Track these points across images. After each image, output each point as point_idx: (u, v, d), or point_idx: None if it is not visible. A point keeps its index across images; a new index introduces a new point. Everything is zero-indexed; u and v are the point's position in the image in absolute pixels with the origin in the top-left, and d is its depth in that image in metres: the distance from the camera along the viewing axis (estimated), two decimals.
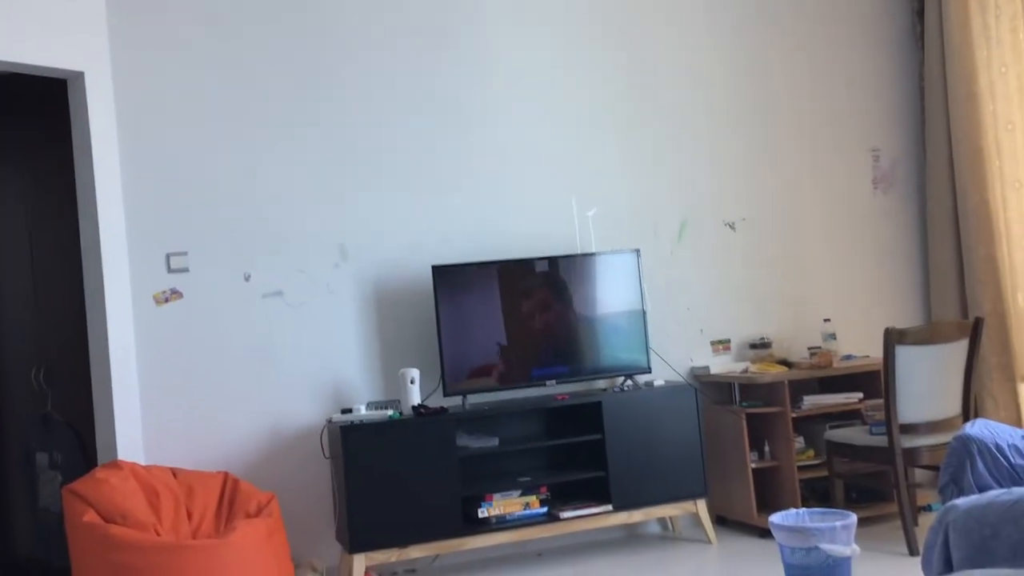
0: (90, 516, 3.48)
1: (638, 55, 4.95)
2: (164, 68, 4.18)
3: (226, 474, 3.93)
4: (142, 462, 3.97)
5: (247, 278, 4.26)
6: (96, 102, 4.02)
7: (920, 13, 5.34)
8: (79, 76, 4.00)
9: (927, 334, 4.02)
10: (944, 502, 2.97)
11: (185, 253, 4.17)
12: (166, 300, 4.13)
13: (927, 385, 4.01)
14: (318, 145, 4.40)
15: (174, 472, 3.86)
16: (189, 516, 3.76)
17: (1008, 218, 4.90)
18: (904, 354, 3.96)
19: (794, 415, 4.50)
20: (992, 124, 4.93)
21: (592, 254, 4.54)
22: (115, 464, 3.75)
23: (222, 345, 4.20)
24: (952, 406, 4.07)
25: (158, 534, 3.55)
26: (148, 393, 4.08)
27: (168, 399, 4.11)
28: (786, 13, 5.24)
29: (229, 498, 3.86)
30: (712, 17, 5.09)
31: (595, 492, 4.31)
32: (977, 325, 4.09)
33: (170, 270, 4.15)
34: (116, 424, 3.96)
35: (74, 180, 4.09)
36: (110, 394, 3.97)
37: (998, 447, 2.99)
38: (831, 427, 4.54)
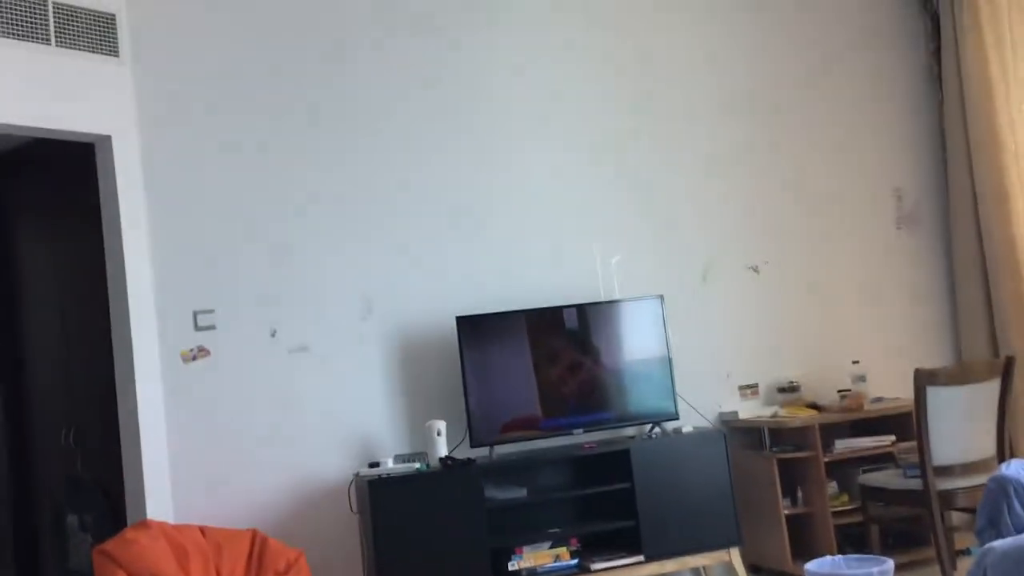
0: None
1: (657, 100, 4.98)
2: (190, 129, 4.25)
3: (255, 531, 3.92)
4: (171, 520, 3.97)
5: (273, 334, 4.28)
6: (123, 164, 4.09)
7: (936, 53, 5.36)
8: (106, 139, 4.07)
9: (958, 374, 3.97)
10: (982, 545, 2.92)
11: (212, 311, 4.20)
12: (193, 358, 4.16)
13: (960, 426, 3.95)
14: (341, 200, 4.43)
15: (203, 530, 3.86)
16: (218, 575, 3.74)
17: None
18: (935, 395, 3.91)
19: (826, 459, 4.45)
20: (1014, 161, 4.92)
21: (616, 301, 4.54)
22: (144, 524, 3.76)
23: (249, 401, 4.22)
24: (986, 447, 4.01)
25: None
26: (176, 451, 4.09)
27: (196, 456, 4.12)
28: (804, 55, 5.28)
29: (258, 556, 3.84)
30: (731, 62, 5.13)
31: (626, 542, 4.26)
32: (1009, 364, 4.03)
33: (197, 327, 4.18)
34: (145, 483, 3.96)
35: (103, 241, 4.15)
36: (139, 452, 3.98)
37: None
38: (864, 471, 4.48)
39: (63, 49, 3.91)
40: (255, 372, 4.24)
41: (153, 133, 4.19)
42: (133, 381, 4.01)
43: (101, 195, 4.14)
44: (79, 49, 3.97)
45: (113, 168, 4.06)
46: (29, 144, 4.51)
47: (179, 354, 4.14)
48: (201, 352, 4.17)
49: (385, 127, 4.54)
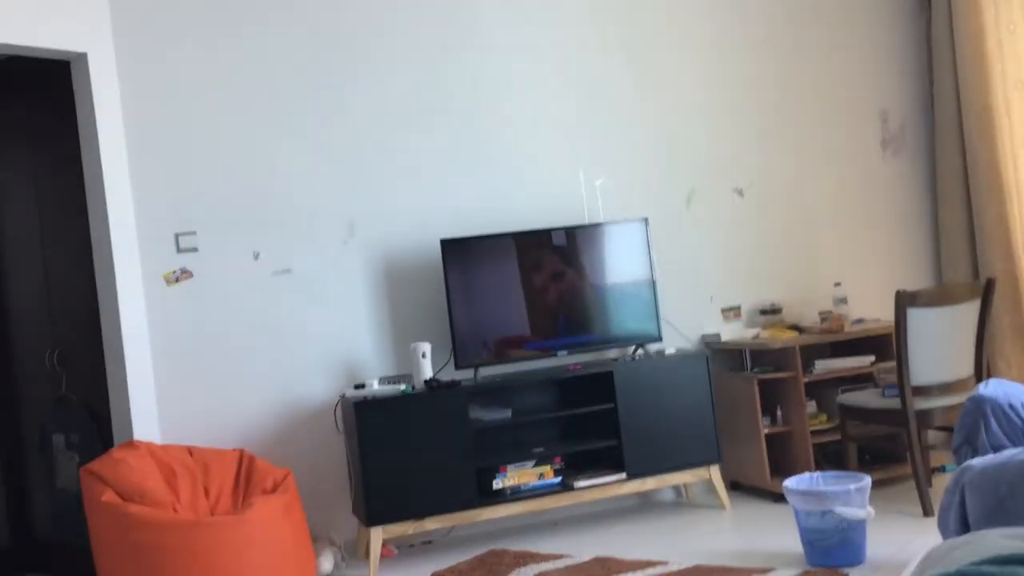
0: (108, 496, 3.50)
1: (641, 22, 4.91)
2: (168, 46, 4.16)
3: (242, 451, 3.95)
4: (158, 441, 3.99)
5: (256, 256, 4.27)
6: (100, 83, 4.01)
7: None
8: (82, 57, 3.98)
9: (939, 296, 4.01)
10: (958, 463, 2.98)
11: (194, 232, 4.17)
12: (176, 280, 4.14)
13: (939, 347, 4.00)
14: (325, 121, 4.38)
15: (190, 450, 3.89)
16: (206, 494, 3.79)
17: (1018, 178, 4.87)
18: (916, 316, 3.95)
19: (806, 380, 4.50)
20: (1001, 83, 4.89)
21: (600, 224, 4.53)
22: (131, 444, 3.78)
23: (234, 323, 4.22)
24: (965, 367, 4.07)
25: (176, 512, 3.58)
26: (162, 372, 4.10)
27: (182, 378, 4.13)
28: None
29: (245, 475, 3.89)
30: None
31: (609, 461, 4.33)
32: (989, 286, 4.07)
33: (179, 250, 4.15)
34: (131, 404, 3.98)
35: (82, 162, 4.09)
36: (124, 374, 3.99)
37: (1012, 407, 2.99)
38: (843, 391, 4.55)
39: None
40: (239, 294, 4.23)
41: (130, 50, 4.10)
42: (116, 303, 4.00)
43: (78, 115, 4.06)
44: None
45: (90, 87, 3.99)
46: (2, 63, 4.41)
47: (162, 276, 4.13)
48: (184, 274, 4.15)
49: (371, 49, 4.46)
